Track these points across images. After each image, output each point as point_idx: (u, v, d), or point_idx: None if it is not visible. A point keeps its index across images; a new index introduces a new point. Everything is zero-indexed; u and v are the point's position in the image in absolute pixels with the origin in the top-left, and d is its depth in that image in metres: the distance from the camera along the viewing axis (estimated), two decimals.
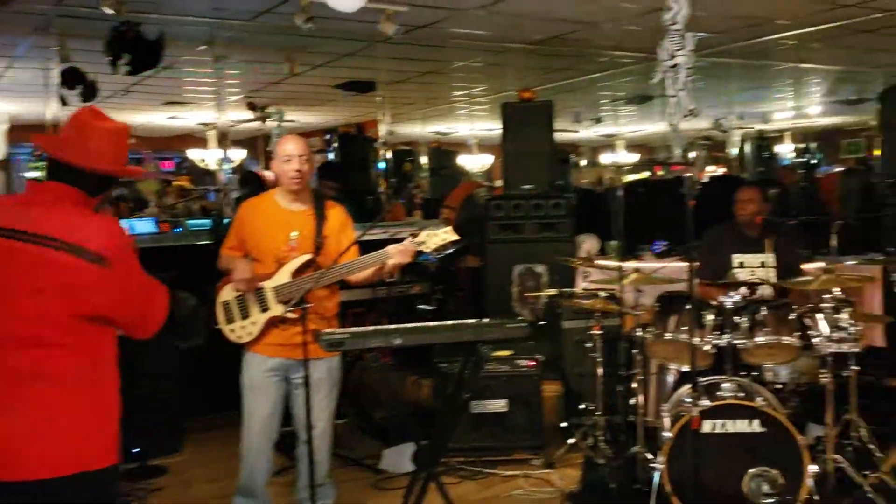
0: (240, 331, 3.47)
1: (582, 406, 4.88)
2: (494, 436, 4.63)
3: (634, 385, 4.29)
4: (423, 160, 15.01)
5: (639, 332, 4.22)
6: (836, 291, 4.07)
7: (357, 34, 6.52)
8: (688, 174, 4.04)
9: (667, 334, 4.04)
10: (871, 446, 4.15)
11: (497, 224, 6.22)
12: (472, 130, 14.61)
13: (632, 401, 4.33)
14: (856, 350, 3.79)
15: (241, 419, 3.54)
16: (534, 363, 4.70)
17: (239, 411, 3.55)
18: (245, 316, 3.45)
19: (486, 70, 8.78)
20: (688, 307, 3.92)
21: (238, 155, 13.07)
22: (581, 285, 5.49)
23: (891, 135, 6.32)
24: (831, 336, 3.77)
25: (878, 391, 5.13)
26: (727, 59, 8.32)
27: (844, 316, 3.82)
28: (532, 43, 7.25)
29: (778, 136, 15.55)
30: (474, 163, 15.18)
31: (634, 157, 17.31)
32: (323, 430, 3.50)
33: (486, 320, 3.17)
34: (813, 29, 6.95)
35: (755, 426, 3.60)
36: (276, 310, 3.38)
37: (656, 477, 3.63)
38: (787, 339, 3.84)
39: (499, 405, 4.63)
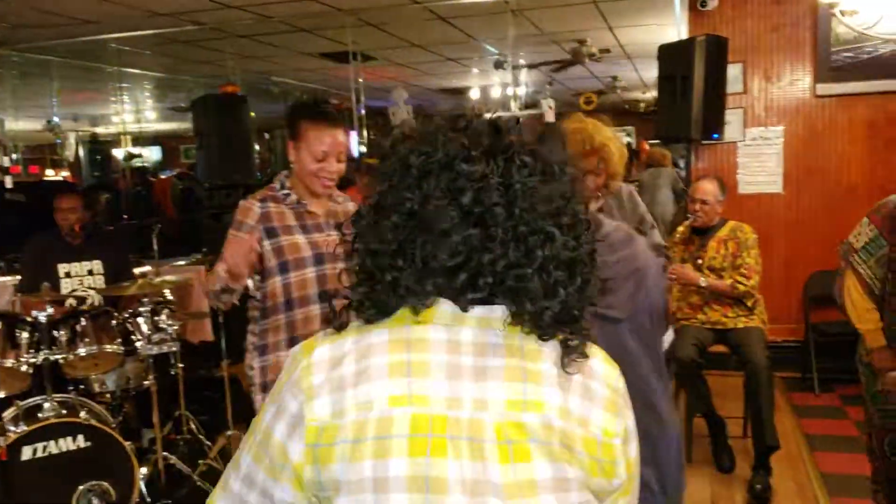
0: None
1: None
2: None
3: None
4: None
5: None
6: (167, 293, 4.17)
7: None
8: None
9: None
10: (202, 437, 4.39)
11: None
12: None
13: None
14: (175, 349, 3.93)
15: None
16: None
17: None
18: None
19: None
20: None
21: None
22: None
23: (204, 142, 6.80)
24: (152, 338, 3.84)
25: (210, 382, 5.47)
26: (49, 57, 7.91)
27: (164, 317, 3.93)
28: None
29: (114, 140, 15.50)
30: None
31: None
32: None
33: None
34: (134, 34, 7.05)
35: (80, 442, 3.45)
36: None
37: None
38: (109, 348, 3.78)
39: None
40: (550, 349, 1.01)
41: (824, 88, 5.47)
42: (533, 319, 0.99)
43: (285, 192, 2.57)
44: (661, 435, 1.80)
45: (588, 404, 1.01)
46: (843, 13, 3.49)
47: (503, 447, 0.95)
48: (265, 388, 2.54)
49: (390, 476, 0.94)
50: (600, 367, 1.06)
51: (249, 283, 2.59)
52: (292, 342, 2.47)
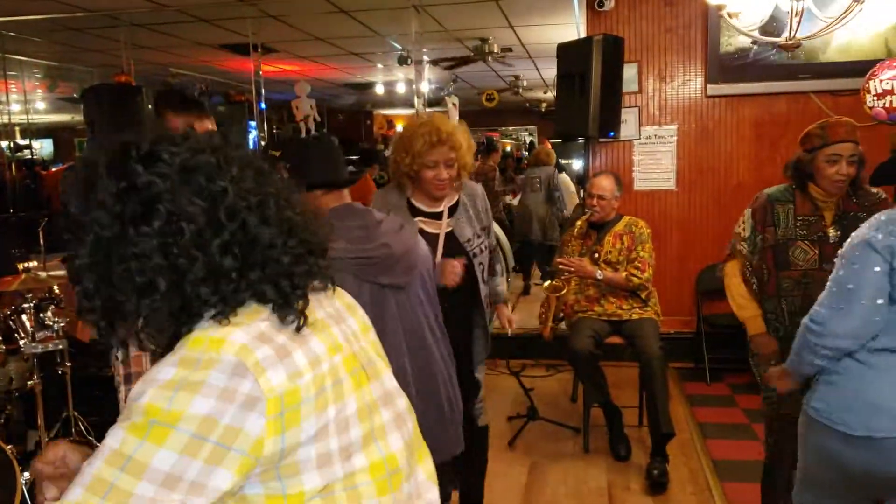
0: None
1: None
2: None
3: None
4: None
5: None
6: (56, 289, 3.99)
7: None
8: None
9: None
10: (92, 438, 4.22)
11: None
12: None
13: None
14: (61, 347, 3.76)
15: None
16: None
17: None
18: None
19: None
20: None
21: None
22: None
23: (96, 133, 6.49)
24: (36, 336, 3.67)
25: (101, 382, 5.26)
26: None
27: (49, 314, 3.76)
28: None
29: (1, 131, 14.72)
30: None
31: None
32: None
33: None
34: (22, 18, 6.70)
35: None
36: None
37: None
38: None
39: None
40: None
41: (714, 89, 5.69)
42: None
43: None
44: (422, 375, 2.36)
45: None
46: (730, 15, 3.64)
47: (382, 360, 1.28)
48: (128, 379, 2.42)
49: (349, 414, 1.10)
50: None
51: None
52: None
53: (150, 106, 7.18)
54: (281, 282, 1.09)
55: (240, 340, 1.01)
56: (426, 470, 1.32)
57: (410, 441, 1.25)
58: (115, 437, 0.97)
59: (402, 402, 1.27)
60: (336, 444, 1.06)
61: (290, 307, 1.09)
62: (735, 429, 4.62)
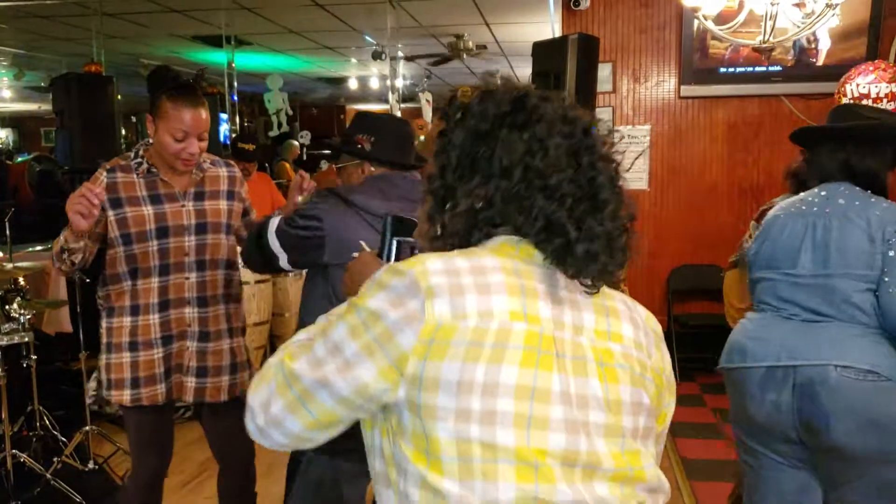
0: None
1: None
2: None
3: None
4: None
5: None
6: (21, 281, 3.91)
7: None
8: None
9: None
10: (56, 433, 4.15)
11: None
12: None
13: None
14: (27, 340, 3.69)
15: None
16: None
17: None
18: None
19: None
20: None
21: None
22: None
23: (65, 123, 6.39)
24: (2, 328, 3.60)
25: (67, 375, 5.18)
26: None
27: (14, 306, 3.69)
28: None
29: None
30: None
31: None
32: None
33: None
34: None
35: None
36: None
37: None
38: None
39: None
40: (616, 292, 1.23)
41: (688, 90, 5.73)
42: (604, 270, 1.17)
43: (138, 160, 2.52)
44: None
45: (648, 340, 1.21)
46: (705, 17, 3.67)
47: (599, 367, 1.12)
48: (109, 348, 2.55)
49: (500, 381, 1.04)
50: (643, 310, 1.26)
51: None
52: (134, 311, 2.51)
53: (119, 97, 7.09)
54: (583, 229, 1.13)
55: (429, 265, 1.10)
56: (602, 491, 1.09)
57: (580, 454, 1.07)
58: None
59: (601, 416, 1.10)
60: (478, 406, 1.04)
61: (565, 256, 1.13)
62: (704, 428, 4.66)
